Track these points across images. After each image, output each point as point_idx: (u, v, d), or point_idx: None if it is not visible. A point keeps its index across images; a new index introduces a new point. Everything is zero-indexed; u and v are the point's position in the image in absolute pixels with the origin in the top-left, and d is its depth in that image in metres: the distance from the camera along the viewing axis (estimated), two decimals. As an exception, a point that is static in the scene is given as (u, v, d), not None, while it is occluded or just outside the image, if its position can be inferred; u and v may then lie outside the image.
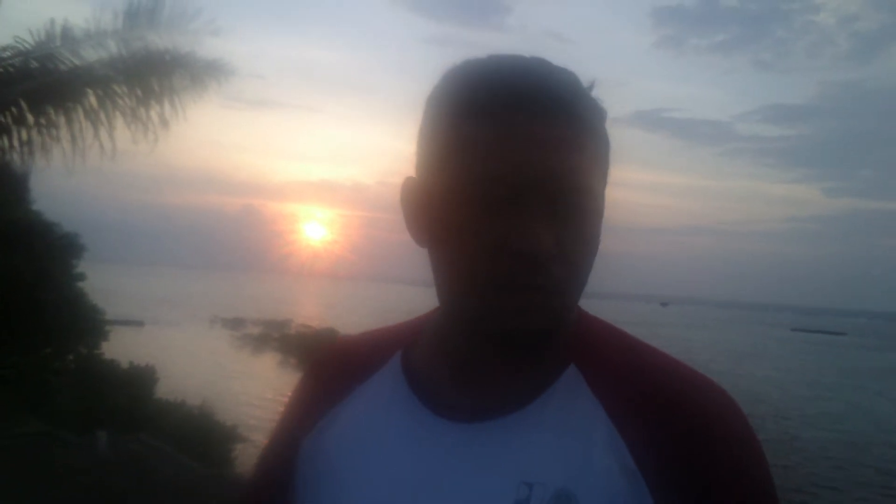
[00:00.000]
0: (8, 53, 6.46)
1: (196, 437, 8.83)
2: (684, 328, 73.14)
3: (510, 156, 0.68)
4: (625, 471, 0.70)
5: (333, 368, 0.90)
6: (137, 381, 10.47)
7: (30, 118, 6.81)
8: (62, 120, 6.83)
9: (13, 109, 6.73)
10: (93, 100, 6.80)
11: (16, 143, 6.84)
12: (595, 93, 0.76)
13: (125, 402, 9.25)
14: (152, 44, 6.68)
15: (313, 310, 69.24)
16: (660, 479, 0.69)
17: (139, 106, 6.93)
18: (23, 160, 7.50)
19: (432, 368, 0.82)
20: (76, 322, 11.82)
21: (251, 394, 20.14)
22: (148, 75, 6.90)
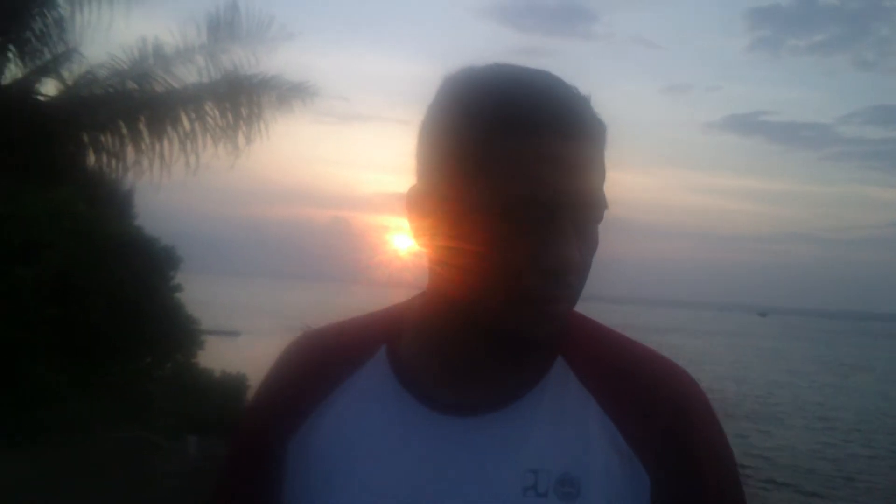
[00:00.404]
0: (105, 72, 6.84)
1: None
2: (785, 340, 70.03)
3: (545, 177, 0.72)
4: (619, 452, 0.78)
5: (313, 363, 0.88)
6: (229, 389, 10.83)
7: (128, 137, 7.17)
8: (156, 138, 7.18)
9: (114, 129, 7.12)
10: (185, 121, 7.12)
11: (114, 161, 7.23)
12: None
13: (216, 408, 9.57)
14: (237, 57, 6.95)
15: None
16: (651, 455, 0.79)
17: (229, 126, 7.22)
18: (122, 176, 7.93)
19: (423, 364, 0.84)
20: (174, 332, 12.34)
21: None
22: (237, 96, 7.18)
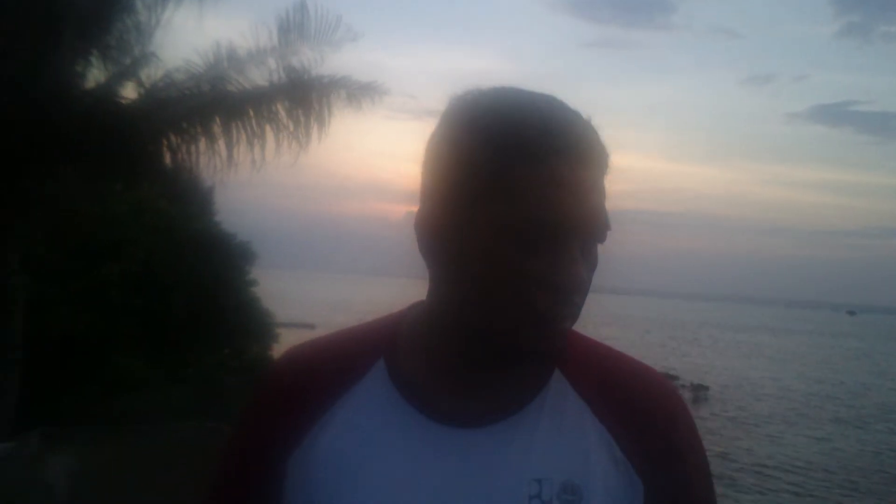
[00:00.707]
0: (182, 76, 7.09)
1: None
2: (874, 339, 66.89)
3: (555, 200, 0.74)
4: (615, 461, 0.82)
5: (308, 379, 0.87)
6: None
7: (203, 137, 7.43)
8: (230, 138, 7.42)
9: (190, 130, 7.39)
10: (257, 121, 7.33)
11: (191, 160, 7.52)
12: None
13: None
14: (306, 58, 7.10)
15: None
16: (645, 463, 0.83)
17: (300, 125, 7.39)
18: (199, 175, 8.24)
19: (425, 377, 0.84)
20: (250, 325, 12.76)
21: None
22: (308, 96, 7.35)
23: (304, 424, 0.84)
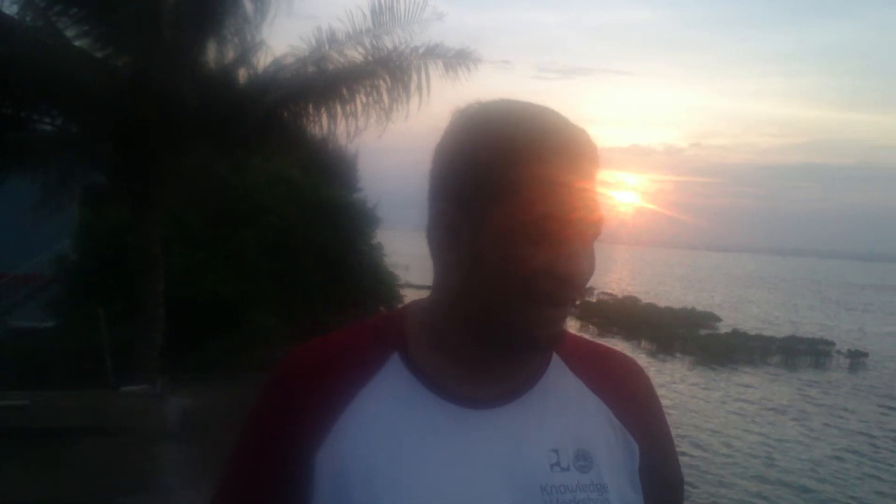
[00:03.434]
0: (290, 60, 7.77)
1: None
2: None
3: (561, 197, 0.82)
4: (613, 427, 0.93)
5: (322, 376, 0.89)
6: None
7: (314, 114, 8.05)
8: (341, 113, 8.00)
9: (305, 107, 8.04)
10: (363, 95, 7.87)
11: (315, 133, 8.22)
12: None
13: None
14: (397, 38, 7.58)
15: (616, 278, 68.59)
16: (637, 428, 0.95)
17: (398, 92, 7.85)
18: (329, 146, 8.90)
19: (441, 366, 0.90)
20: (376, 286, 13.50)
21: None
22: (407, 68, 7.82)
23: (327, 420, 0.86)
